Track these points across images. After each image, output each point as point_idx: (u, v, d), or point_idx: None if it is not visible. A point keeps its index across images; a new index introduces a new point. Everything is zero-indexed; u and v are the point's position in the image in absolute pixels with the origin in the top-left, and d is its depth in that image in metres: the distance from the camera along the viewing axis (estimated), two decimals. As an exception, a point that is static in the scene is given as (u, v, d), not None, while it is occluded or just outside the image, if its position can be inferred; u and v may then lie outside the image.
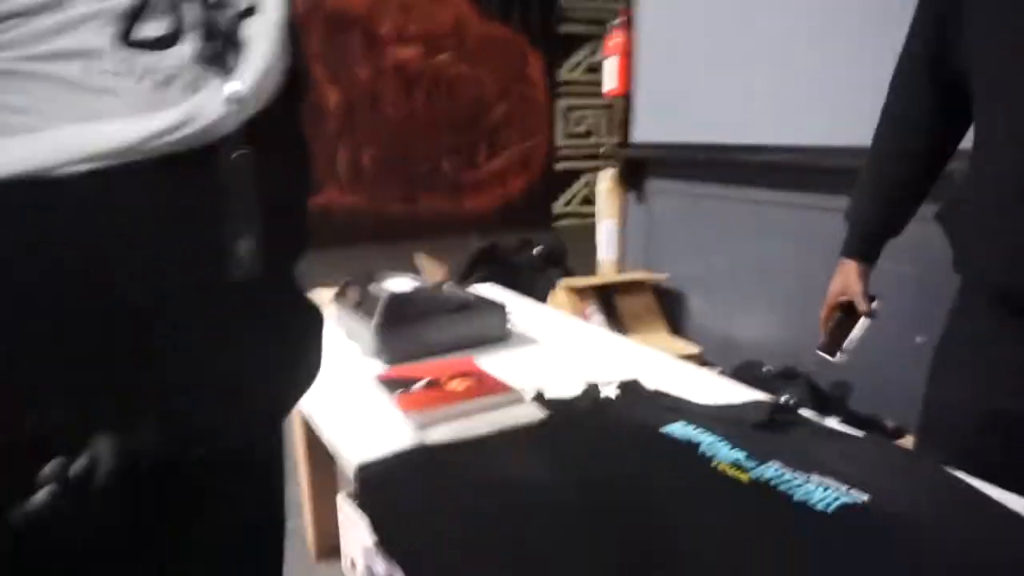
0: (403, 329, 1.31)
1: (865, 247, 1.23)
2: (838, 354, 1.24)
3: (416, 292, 1.36)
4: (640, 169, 2.98)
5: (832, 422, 1.04)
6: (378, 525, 0.82)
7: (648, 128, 2.93)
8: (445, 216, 7.53)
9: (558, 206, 8.29)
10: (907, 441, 1.78)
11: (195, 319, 0.61)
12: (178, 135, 0.56)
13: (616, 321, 2.70)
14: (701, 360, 2.52)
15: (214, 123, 0.59)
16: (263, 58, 0.62)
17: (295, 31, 0.75)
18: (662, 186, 2.91)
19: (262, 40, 0.62)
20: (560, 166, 8.28)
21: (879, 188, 1.21)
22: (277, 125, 0.71)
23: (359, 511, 0.84)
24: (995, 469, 0.89)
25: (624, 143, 3.02)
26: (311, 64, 6.43)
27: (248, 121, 0.62)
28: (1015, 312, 0.92)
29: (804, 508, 0.80)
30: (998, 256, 0.93)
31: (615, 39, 3.45)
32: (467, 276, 2.91)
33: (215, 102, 0.59)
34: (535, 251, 3.23)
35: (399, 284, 1.38)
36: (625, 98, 3.05)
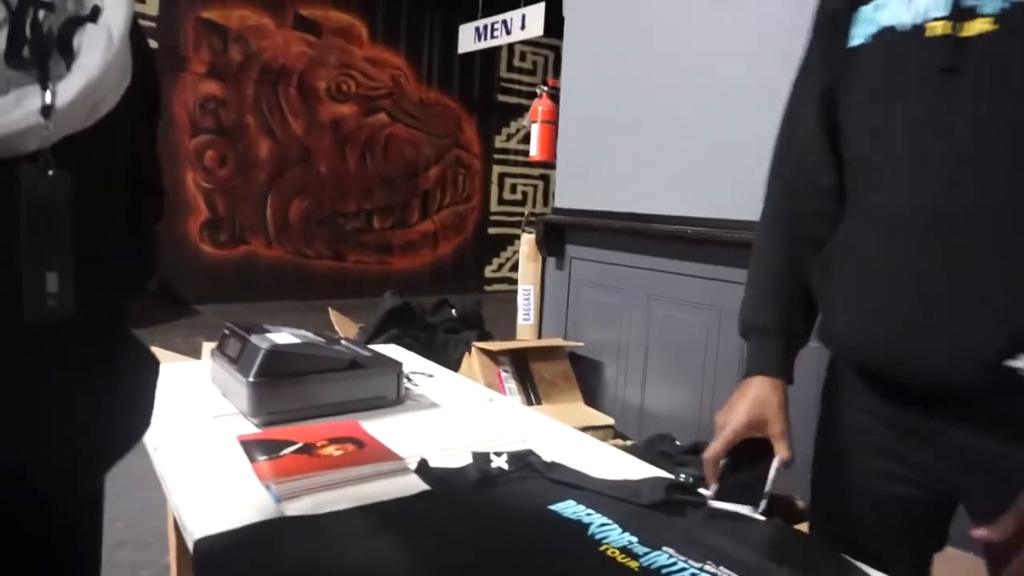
0: (281, 386, 1.20)
1: (788, 361, 0.96)
2: (761, 503, 0.91)
3: (301, 347, 1.25)
4: (560, 235, 2.97)
5: (732, 504, 0.97)
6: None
7: (569, 195, 2.94)
8: (372, 274, 7.41)
9: (489, 271, 8.30)
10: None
11: None
12: None
13: (531, 388, 2.63)
14: (614, 432, 2.46)
15: (14, 134, 0.50)
16: (90, 71, 0.54)
17: (144, 48, 0.68)
18: (581, 253, 2.90)
19: (95, 51, 0.54)
20: (492, 231, 8.35)
21: (794, 277, 0.97)
22: (110, 148, 0.63)
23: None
24: (890, 557, 0.85)
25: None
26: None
27: (68, 139, 0.54)
28: (885, 396, 0.88)
29: (694, 601, 0.73)
30: (860, 334, 0.86)
31: (540, 107, 3.51)
32: (377, 334, 2.79)
33: (21, 111, 0.50)
34: (452, 312, 3.15)
35: (283, 337, 1.27)
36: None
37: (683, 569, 0.79)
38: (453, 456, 1.10)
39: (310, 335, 1.33)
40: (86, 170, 0.56)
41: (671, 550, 0.83)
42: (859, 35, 0.85)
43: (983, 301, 0.75)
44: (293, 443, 1.07)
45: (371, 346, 1.56)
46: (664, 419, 2.54)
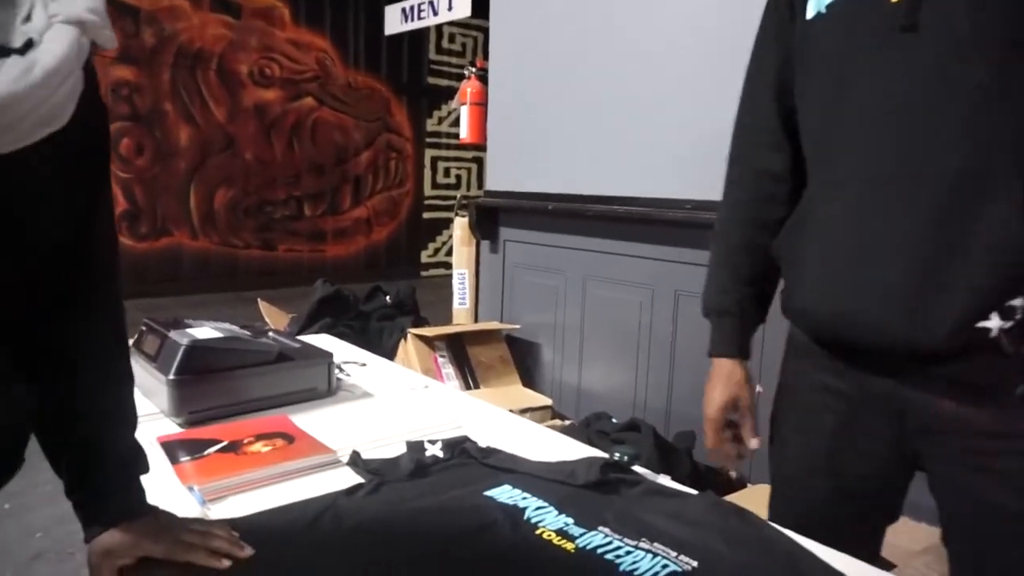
0: (204, 383, 1.15)
1: (746, 341, 1.03)
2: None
3: (224, 341, 1.20)
4: (494, 218, 2.95)
5: (665, 479, 0.99)
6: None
7: (501, 177, 2.92)
8: (305, 263, 7.23)
9: (425, 256, 8.21)
10: (749, 491, 1.79)
11: None
12: None
13: (469, 372, 2.62)
14: (553, 412, 2.48)
15: None
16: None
17: (97, 107, 0.62)
18: (515, 235, 2.89)
19: (2, 79, 0.50)
20: (427, 215, 8.25)
21: (751, 262, 1.01)
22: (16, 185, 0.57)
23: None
24: (847, 536, 0.86)
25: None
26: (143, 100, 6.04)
27: None
28: (847, 363, 0.88)
29: (630, 579, 0.73)
30: (824, 299, 0.87)
31: (469, 88, 3.47)
32: (309, 324, 2.72)
33: None
34: (386, 299, 3.10)
35: (205, 331, 1.22)
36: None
37: (618, 547, 0.79)
38: (387, 446, 1.07)
39: (235, 328, 1.28)
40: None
41: (607, 529, 0.83)
42: (816, 5, 0.85)
43: (950, 261, 0.75)
44: (218, 442, 1.02)
45: (302, 337, 1.52)
46: (602, 398, 2.57)
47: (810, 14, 0.86)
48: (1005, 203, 0.73)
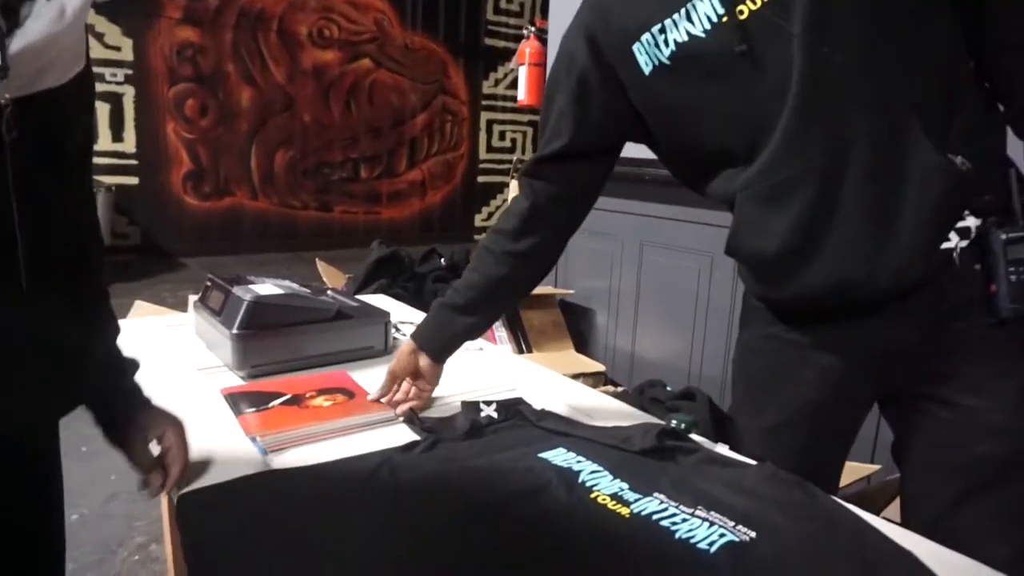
0: (266, 338, 1.17)
1: (450, 351, 1.09)
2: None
3: (286, 297, 1.22)
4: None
5: (723, 448, 0.97)
6: (192, 561, 0.69)
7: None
8: (360, 225, 7.32)
9: (479, 219, 8.22)
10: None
11: None
12: None
13: (521, 336, 2.62)
14: (605, 379, 2.47)
15: None
16: (30, 37, 0.55)
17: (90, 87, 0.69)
18: (573, 200, 2.84)
19: (40, 22, 0.56)
20: (482, 179, 8.23)
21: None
22: (60, 123, 0.62)
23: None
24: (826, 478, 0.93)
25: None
26: (223, 62, 6.14)
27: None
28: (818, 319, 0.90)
29: (687, 547, 0.73)
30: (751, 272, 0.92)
31: (528, 48, 3.41)
32: (366, 284, 2.76)
33: None
34: (441, 261, 3.12)
35: (267, 288, 1.24)
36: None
37: (674, 514, 0.78)
38: (443, 406, 1.08)
39: (295, 286, 1.30)
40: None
41: (662, 495, 0.82)
42: (651, 60, 0.86)
43: (896, 210, 0.78)
44: (281, 395, 1.05)
45: (359, 296, 1.53)
46: (656, 366, 2.55)
47: (648, 68, 0.87)
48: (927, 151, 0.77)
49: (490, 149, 8.04)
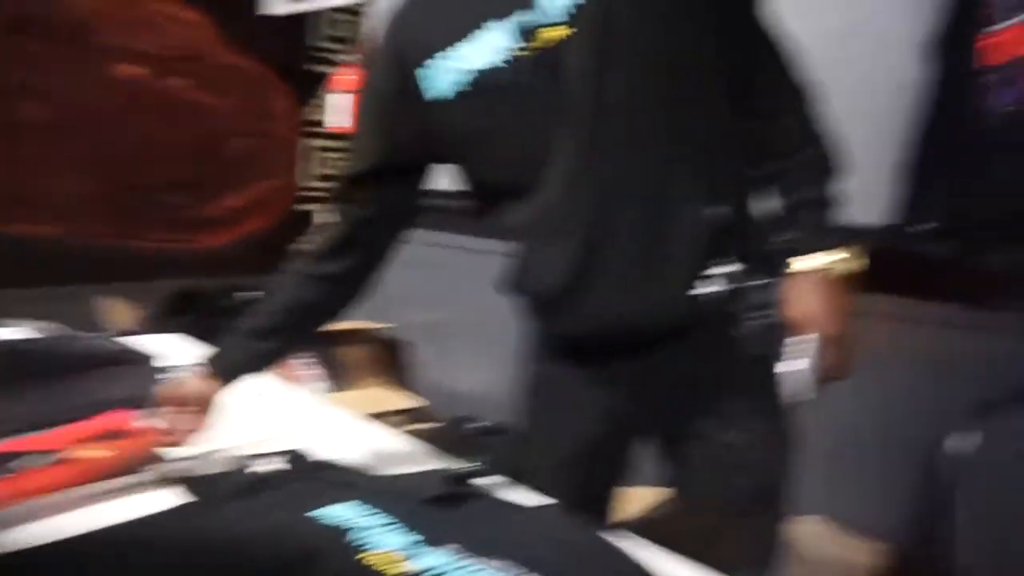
0: (7, 392, 1.00)
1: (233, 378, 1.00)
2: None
3: (32, 344, 1.06)
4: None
5: (515, 491, 0.95)
6: None
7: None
8: (167, 254, 6.75)
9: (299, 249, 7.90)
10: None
11: None
12: None
13: (336, 373, 2.51)
14: (415, 416, 2.41)
15: None
16: None
17: None
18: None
19: None
20: (303, 207, 7.93)
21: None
22: None
23: None
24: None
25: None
26: None
27: None
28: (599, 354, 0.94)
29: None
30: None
31: (346, 76, 3.34)
32: (166, 321, 2.52)
33: None
34: (254, 295, 2.92)
35: (12, 334, 1.07)
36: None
37: (464, 568, 0.74)
38: (217, 460, 0.98)
39: (43, 330, 1.14)
40: None
41: (455, 546, 0.78)
42: (441, 87, 0.87)
43: (661, 247, 0.84)
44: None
45: (154, 335, 1.37)
46: (474, 399, 2.53)
47: (435, 94, 0.87)
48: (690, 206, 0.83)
49: (313, 176, 7.79)
